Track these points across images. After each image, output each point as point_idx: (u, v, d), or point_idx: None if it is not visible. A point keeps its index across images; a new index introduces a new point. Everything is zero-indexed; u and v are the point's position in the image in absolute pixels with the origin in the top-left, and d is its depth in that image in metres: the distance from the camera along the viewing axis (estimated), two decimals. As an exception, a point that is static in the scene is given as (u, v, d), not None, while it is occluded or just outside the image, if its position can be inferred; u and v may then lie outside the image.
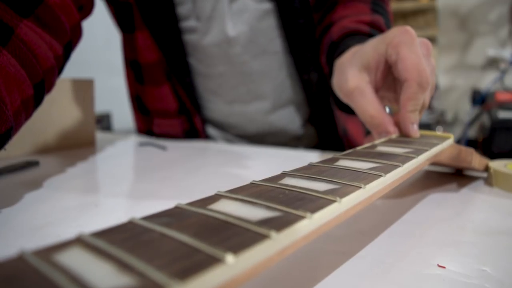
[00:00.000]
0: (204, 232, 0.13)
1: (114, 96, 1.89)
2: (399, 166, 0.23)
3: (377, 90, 0.38)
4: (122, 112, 1.73)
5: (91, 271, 0.10)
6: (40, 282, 0.10)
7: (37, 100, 0.35)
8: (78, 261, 0.11)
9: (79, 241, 0.12)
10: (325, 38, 0.52)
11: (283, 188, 0.18)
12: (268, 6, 0.57)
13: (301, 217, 0.14)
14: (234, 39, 0.58)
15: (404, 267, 0.20)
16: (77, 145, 0.56)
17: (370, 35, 0.46)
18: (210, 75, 0.62)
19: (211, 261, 0.11)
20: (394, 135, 0.35)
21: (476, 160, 0.36)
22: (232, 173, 0.42)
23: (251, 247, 0.12)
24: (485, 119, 2.10)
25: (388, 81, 0.38)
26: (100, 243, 0.12)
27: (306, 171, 0.21)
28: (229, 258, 0.11)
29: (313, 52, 0.60)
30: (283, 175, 0.21)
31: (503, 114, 1.95)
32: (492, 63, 2.37)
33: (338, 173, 0.21)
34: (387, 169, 0.22)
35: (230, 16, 0.57)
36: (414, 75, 0.33)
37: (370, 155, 0.26)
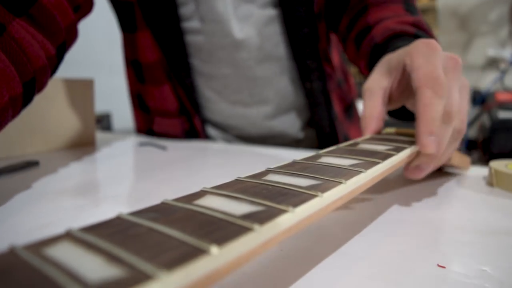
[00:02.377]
0: (190, 226, 0.13)
1: (114, 96, 1.89)
2: (379, 162, 0.23)
3: (391, 97, 0.37)
4: (122, 112, 1.73)
5: (81, 263, 0.10)
6: (31, 274, 0.10)
7: (26, 98, 0.34)
8: (68, 254, 0.11)
9: (68, 236, 0.12)
10: (365, 42, 0.50)
11: (267, 184, 0.18)
12: (272, 12, 0.58)
13: (283, 211, 0.15)
14: (242, 42, 0.58)
15: (404, 267, 0.20)
16: (77, 145, 0.56)
17: (415, 36, 0.45)
18: (215, 75, 0.62)
19: (197, 253, 0.11)
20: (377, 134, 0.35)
21: (455, 157, 0.36)
22: (232, 173, 0.42)
23: (235, 239, 0.12)
24: (485, 119, 2.10)
25: (410, 87, 0.36)
26: (89, 237, 0.12)
27: (290, 168, 0.22)
28: (214, 249, 0.11)
29: (316, 61, 0.60)
30: (267, 171, 0.21)
31: (503, 114, 1.95)
32: (492, 63, 2.37)
33: (321, 170, 0.21)
34: (367, 166, 0.22)
35: (237, 20, 0.57)
36: (425, 81, 0.31)
37: (352, 152, 0.26)
